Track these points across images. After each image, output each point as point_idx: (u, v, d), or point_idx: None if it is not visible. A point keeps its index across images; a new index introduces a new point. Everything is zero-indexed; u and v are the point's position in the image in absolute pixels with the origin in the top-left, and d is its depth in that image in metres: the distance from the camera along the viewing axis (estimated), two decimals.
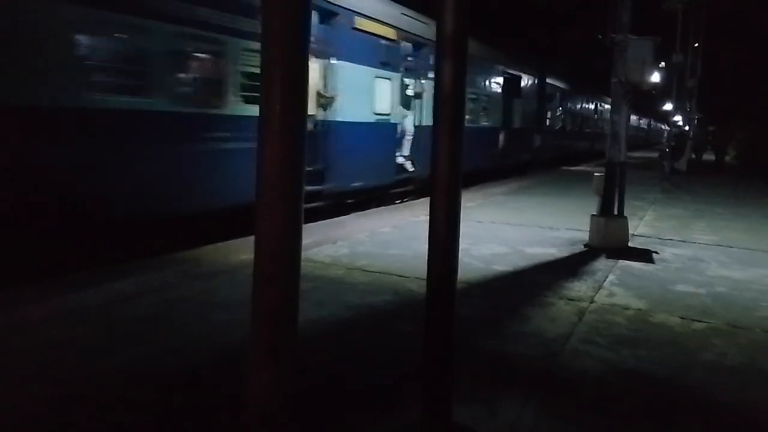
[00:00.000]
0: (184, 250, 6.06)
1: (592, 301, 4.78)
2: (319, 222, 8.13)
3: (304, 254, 1.59)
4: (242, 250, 5.87)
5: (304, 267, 1.60)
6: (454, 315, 2.26)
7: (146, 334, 3.75)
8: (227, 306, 4.28)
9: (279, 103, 1.42)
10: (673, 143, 19.62)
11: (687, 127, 23.67)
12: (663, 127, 62.52)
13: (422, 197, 10.90)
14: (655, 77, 8.32)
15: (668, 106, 22.98)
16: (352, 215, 8.99)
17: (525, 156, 19.60)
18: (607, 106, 30.80)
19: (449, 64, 2.00)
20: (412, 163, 11.55)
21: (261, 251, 1.54)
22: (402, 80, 11.15)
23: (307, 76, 1.48)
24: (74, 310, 4.11)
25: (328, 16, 8.75)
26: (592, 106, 30.30)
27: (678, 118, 20.96)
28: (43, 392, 2.90)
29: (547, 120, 22.40)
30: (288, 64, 1.42)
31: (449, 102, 2.02)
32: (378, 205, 10.30)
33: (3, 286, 4.43)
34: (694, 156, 19.40)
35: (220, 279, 5.06)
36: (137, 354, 3.40)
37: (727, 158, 26.33)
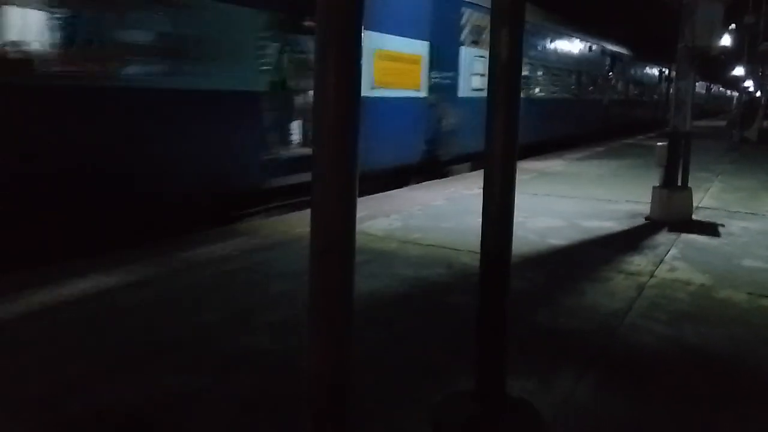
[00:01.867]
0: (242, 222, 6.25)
1: (652, 276, 4.65)
2: (372, 195, 8.19)
3: (358, 227, 1.61)
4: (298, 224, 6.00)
5: (359, 240, 1.62)
6: (508, 289, 2.25)
7: (206, 302, 3.90)
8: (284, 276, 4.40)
9: (334, 78, 1.43)
10: (743, 110, 18.57)
11: (758, 93, 22.32)
12: (728, 92, 59.09)
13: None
14: (725, 40, 7.84)
15: (739, 71, 21.69)
16: (405, 188, 9.00)
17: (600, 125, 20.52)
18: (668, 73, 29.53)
19: (506, 34, 1.95)
20: None
21: (317, 224, 1.57)
22: None
23: (360, 53, 1.48)
24: (137, 281, 4.32)
25: None
26: (657, 74, 29.26)
27: (749, 84, 19.78)
28: (102, 361, 3.07)
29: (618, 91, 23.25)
30: (342, 40, 1.43)
31: (505, 72, 1.98)
32: (431, 178, 10.25)
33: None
34: (766, 124, 18.26)
35: (277, 251, 5.19)
36: (198, 321, 3.55)
37: None
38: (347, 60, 1.46)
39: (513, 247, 2.33)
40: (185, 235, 5.66)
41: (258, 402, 2.65)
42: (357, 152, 1.54)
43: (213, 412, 2.56)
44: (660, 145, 6.94)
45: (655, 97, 29.43)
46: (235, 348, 3.20)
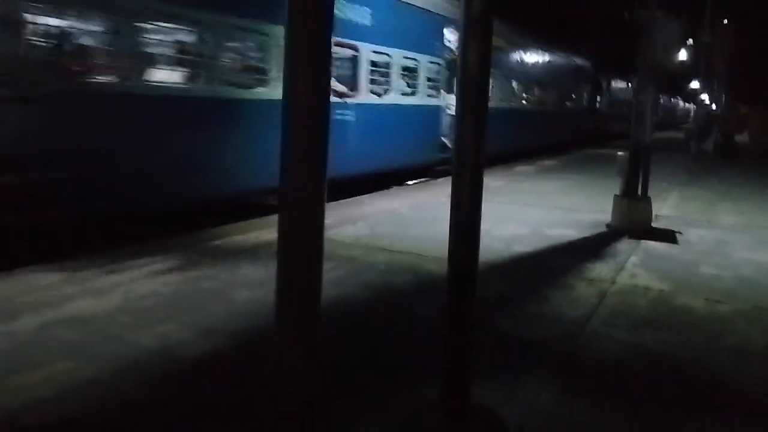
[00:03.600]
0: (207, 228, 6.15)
1: (613, 283, 4.75)
2: (339, 201, 8.17)
3: (325, 234, 1.60)
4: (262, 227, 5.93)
5: (325, 246, 1.62)
6: (475, 296, 2.27)
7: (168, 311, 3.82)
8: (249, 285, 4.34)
9: (303, 88, 1.43)
10: (700, 123, 19.22)
11: (714, 107, 23.11)
12: (682, 104, 60.89)
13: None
14: (682, 55, 8.12)
15: (695, 85, 22.47)
16: (372, 195, 9.02)
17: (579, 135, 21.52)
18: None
19: (474, 46, 1.98)
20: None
21: (285, 232, 1.56)
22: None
23: (329, 63, 1.48)
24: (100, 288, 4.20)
25: None
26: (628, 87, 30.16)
27: (705, 98, 20.49)
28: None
29: (597, 103, 24.67)
30: (313, 50, 1.42)
31: (474, 84, 2.00)
32: (398, 185, 10.39)
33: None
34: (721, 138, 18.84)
35: (241, 257, 5.12)
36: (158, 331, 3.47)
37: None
38: (317, 69, 1.46)
39: (479, 255, 2.35)
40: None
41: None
42: (326, 159, 1.53)
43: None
44: (621, 155, 7.12)
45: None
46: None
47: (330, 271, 4.55)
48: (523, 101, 16.52)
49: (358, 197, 8.56)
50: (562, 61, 20.44)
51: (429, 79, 10.88)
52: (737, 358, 3.43)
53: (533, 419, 2.64)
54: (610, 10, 25.04)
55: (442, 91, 11.44)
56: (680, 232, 6.72)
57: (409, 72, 10.41)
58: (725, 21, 19.84)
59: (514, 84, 15.63)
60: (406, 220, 6.99)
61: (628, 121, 7.69)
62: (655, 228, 6.94)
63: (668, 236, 6.55)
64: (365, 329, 3.67)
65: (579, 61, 22.50)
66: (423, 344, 3.33)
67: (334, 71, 7.93)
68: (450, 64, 11.55)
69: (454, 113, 9.38)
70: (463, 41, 2.01)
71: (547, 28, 22.55)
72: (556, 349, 3.45)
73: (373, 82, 9.31)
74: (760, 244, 6.36)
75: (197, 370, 3.03)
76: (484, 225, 2.33)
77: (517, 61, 16.00)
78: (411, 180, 11.08)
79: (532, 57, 17.19)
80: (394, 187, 10.15)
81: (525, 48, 16.47)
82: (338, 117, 8.26)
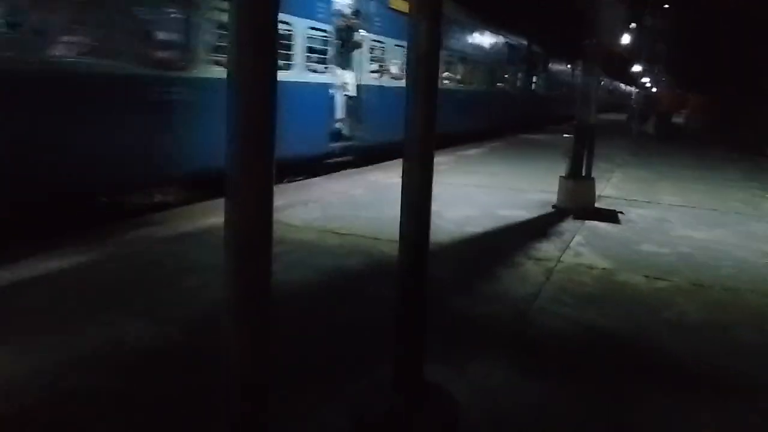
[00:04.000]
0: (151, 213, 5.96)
1: (559, 261, 4.88)
2: (289, 183, 8.06)
3: (275, 216, 1.57)
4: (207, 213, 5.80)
5: (275, 230, 1.58)
6: (426, 277, 2.28)
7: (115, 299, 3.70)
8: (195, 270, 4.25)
9: (250, 63, 1.38)
10: (641, 105, 19.87)
11: (654, 90, 23.92)
12: (623, 87, 62.72)
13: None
14: (626, 39, 8.34)
15: (638, 68, 23.18)
16: (323, 177, 8.93)
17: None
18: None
19: (424, 22, 1.96)
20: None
21: (232, 216, 1.52)
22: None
23: (276, 33, 1.43)
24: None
25: None
26: (569, 71, 29.66)
27: (646, 81, 21.18)
28: None
29: (533, 84, 22.54)
30: (258, 20, 1.37)
31: (423, 63, 1.99)
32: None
33: None
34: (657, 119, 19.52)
35: (186, 243, 5.00)
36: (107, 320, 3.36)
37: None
38: (264, 50, 1.41)
39: (431, 236, 2.36)
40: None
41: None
42: (273, 142, 1.49)
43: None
44: (566, 137, 7.29)
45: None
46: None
47: (280, 255, 4.49)
48: (446, 80, 14.59)
49: (309, 179, 8.47)
50: (493, 39, 18.81)
51: (311, 50, 8.76)
52: (675, 331, 3.59)
53: (484, 396, 2.70)
54: None
55: (333, 66, 9.45)
56: (622, 212, 6.96)
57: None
58: (666, 6, 20.49)
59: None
60: (359, 202, 6.97)
61: (567, 104, 7.75)
62: (599, 208, 7.16)
63: (611, 216, 6.77)
64: (318, 313, 3.65)
65: (513, 39, 21.03)
66: (376, 326, 3.34)
67: (153, 30, 6.11)
68: (342, 33, 9.82)
69: (351, 93, 7.98)
70: (413, 23, 1.99)
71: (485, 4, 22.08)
72: (506, 326, 3.53)
73: (215, 49, 6.66)
74: (697, 222, 6.66)
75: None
76: (434, 207, 2.33)
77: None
78: (295, 177, 8.63)
79: (455, 28, 15.38)
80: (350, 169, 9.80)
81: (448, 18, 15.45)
82: (161, 98, 6.13)
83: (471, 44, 16.44)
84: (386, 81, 11.09)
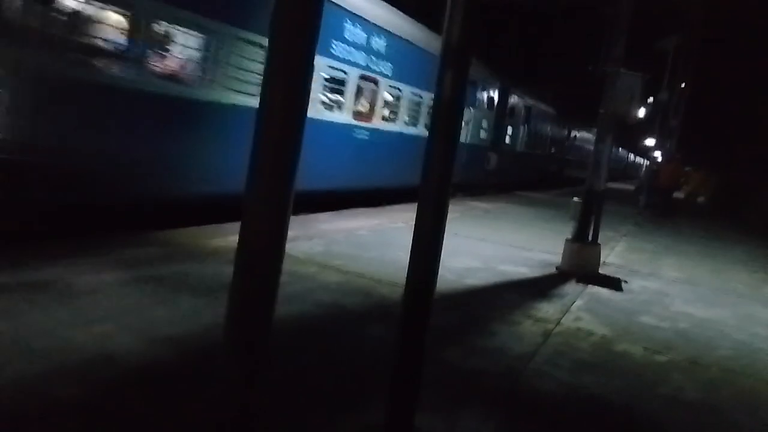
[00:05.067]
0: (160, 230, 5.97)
1: (558, 323, 4.84)
2: (293, 217, 8.08)
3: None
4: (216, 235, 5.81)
5: None
6: (428, 324, 2.27)
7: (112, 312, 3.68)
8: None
9: (281, 99, 1.41)
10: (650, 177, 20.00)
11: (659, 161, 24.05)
12: (632, 157, 63.52)
13: None
14: (641, 112, 8.50)
15: (650, 142, 23.43)
16: (329, 214, 8.96)
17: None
18: (584, 134, 30.44)
19: (450, 75, 2.01)
20: None
21: (246, 244, 1.53)
22: None
23: (311, 75, 1.47)
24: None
25: None
26: (565, 131, 29.36)
27: (657, 154, 21.37)
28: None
29: (508, 138, 18.95)
30: (293, 61, 1.41)
31: (447, 112, 2.04)
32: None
33: None
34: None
35: (190, 264, 5.00)
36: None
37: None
38: (297, 79, 1.45)
39: None
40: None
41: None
42: (295, 175, 1.51)
43: None
44: (575, 201, 7.33)
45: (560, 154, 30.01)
46: None
47: (281, 287, 4.47)
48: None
49: (314, 214, 8.50)
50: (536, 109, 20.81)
51: None
52: (670, 407, 3.53)
53: None
54: (572, 61, 25.80)
55: None
56: (625, 281, 6.93)
57: None
58: (683, 84, 20.86)
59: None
60: (363, 242, 6.97)
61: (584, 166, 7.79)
62: (602, 274, 7.14)
63: (614, 283, 6.74)
64: (312, 349, 3.61)
65: (547, 108, 22.82)
66: (370, 369, 3.31)
67: None
68: None
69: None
70: (441, 70, 2.04)
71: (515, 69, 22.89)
72: (499, 384, 3.48)
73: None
74: (698, 299, 6.62)
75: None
76: None
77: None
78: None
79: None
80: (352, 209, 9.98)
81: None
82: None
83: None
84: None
